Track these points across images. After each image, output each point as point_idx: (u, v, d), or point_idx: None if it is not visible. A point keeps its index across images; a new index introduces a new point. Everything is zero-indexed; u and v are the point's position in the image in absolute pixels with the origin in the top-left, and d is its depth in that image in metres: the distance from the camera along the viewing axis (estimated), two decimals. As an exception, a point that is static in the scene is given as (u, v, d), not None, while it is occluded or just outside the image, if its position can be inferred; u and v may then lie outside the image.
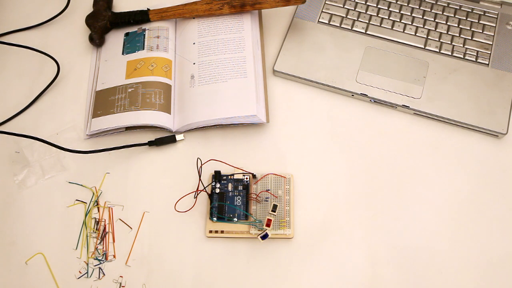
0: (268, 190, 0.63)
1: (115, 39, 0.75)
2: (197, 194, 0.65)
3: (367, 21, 0.74)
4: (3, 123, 0.71)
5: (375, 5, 0.75)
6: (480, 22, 0.73)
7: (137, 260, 0.61)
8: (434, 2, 0.75)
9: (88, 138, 0.69)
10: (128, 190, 0.66)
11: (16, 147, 0.69)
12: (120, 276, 0.61)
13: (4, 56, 0.76)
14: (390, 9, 0.75)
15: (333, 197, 0.64)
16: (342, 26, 0.74)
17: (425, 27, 0.73)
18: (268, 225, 0.58)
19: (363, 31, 0.74)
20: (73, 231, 0.63)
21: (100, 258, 0.62)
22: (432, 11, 0.74)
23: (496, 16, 0.74)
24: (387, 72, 0.70)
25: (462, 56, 0.71)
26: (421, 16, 0.74)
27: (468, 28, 0.73)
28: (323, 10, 0.75)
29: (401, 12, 0.74)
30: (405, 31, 0.73)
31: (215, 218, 0.62)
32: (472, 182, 0.64)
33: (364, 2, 0.75)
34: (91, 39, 0.74)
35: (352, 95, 0.70)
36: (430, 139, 0.67)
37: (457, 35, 0.72)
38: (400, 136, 0.68)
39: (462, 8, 0.74)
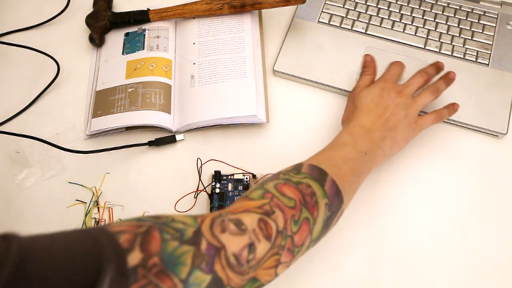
0: (268, 190, 0.63)
1: (115, 39, 0.75)
2: (197, 194, 0.65)
3: (367, 21, 0.74)
4: (3, 123, 0.71)
5: (375, 5, 0.75)
6: (480, 22, 0.73)
7: (137, 260, 0.61)
8: (434, 2, 0.75)
9: (88, 138, 0.69)
10: (128, 190, 0.66)
11: (16, 147, 0.69)
12: (120, 276, 0.61)
13: (4, 56, 0.76)
14: (390, 9, 0.75)
15: (333, 197, 0.64)
16: (342, 26, 0.74)
17: (425, 27, 0.73)
18: (268, 225, 0.58)
19: (363, 31, 0.74)
20: (73, 231, 0.63)
21: (100, 258, 0.62)
22: (432, 11, 0.74)
23: (496, 16, 0.74)
24: (387, 72, 0.70)
25: (462, 56, 0.71)
26: (421, 16, 0.74)
27: (468, 28, 0.73)
28: (323, 10, 0.75)
29: (401, 12, 0.74)
30: (405, 31, 0.73)
31: (215, 218, 0.62)
32: (472, 182, 0.64)
33: (364, 2, 0.75)
34: (91, 39, 0.74)
35: (352, 95, 0.70)
36: (430, 139, 0.67)
37: (457, 35, 0.72)
38: (400, 136, 0.67)
39: (462, 8, 0.74)
